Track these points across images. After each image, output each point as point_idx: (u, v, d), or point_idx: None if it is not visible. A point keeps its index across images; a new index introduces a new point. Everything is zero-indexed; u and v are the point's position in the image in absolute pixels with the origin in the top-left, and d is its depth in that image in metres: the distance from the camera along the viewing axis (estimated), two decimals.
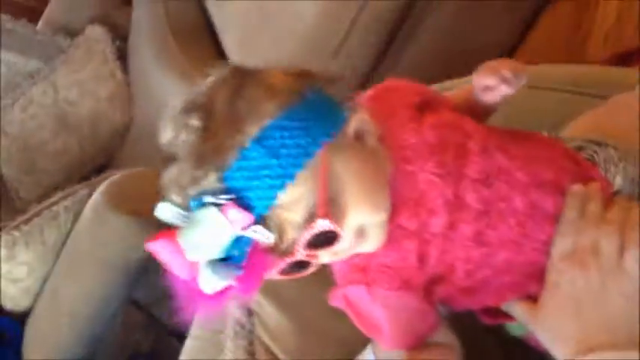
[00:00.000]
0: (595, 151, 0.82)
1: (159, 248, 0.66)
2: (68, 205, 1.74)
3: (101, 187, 1.65)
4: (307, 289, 0.99)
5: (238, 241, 0.66)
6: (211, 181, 0.66)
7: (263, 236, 0.67)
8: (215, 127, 0.68)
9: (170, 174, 0.69)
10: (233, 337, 1.04)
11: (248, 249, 0.67)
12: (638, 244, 0.72)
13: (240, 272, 0.66)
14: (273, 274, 0.72)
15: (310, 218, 0.68)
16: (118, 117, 2.09)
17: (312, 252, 0.70)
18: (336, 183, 0.70)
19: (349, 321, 0.81)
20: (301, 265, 0.72)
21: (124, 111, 2.09)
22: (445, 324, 0.83)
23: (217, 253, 0.66)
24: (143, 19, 2.08)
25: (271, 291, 1.04)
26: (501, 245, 0.76)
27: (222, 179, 0.66)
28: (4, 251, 1.64)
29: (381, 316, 0.78)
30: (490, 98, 0.80)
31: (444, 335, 0.82)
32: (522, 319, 0.78)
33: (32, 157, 2.09)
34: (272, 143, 0.67)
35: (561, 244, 0.75)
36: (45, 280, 1.72)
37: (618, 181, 0.80)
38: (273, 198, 0.67)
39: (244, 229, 0.66)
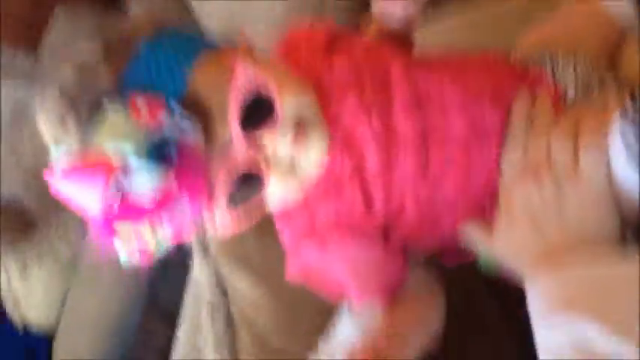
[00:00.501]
0: (545, 59, 0.74)
1: (65, 180, 0.59)
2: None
3: None
4: (277, 259, 0.94)
5: (161, 141, 0.60)
6: (106, 87, 0.62)
7: (184, 123, 0.61)
8: (92, 61, 0.64)
9: (50, 121, 0.63)
10: (208, 318, 0.99)
11: (175, 148, 0.60)
12: (593, 144, 0.65)
13: (172, 169, 0.59)
14: (223, 207, 0.65)
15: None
16: None
17: (250, 134, 0.64)
18: (253, 65, 0.65)
19: None
20: (249, 191, 0.66)
21: None
22: (420, 271, 0.77)
23: (138, 151, 0.59)
24: None
25: (241, 264, 0.99)
26: (447, 173, 0.69)
27: (120, 83, 0.62)
28: (16, 274, 1.63)
29: (343, 272, 0.73)
30: (393, 22, 0.74)
31: (420, 283, 0.77)
32: (481, 246, 0.72)
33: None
34: (166, 42, 0.64)
35: (511, 161, 0.69)
36: (65, 295, 1.71)
37: (570, 86, 0.72)
38: (182, 76, 0.62)
39: (162, 119, 0.60)
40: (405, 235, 0.72)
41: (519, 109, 0.70)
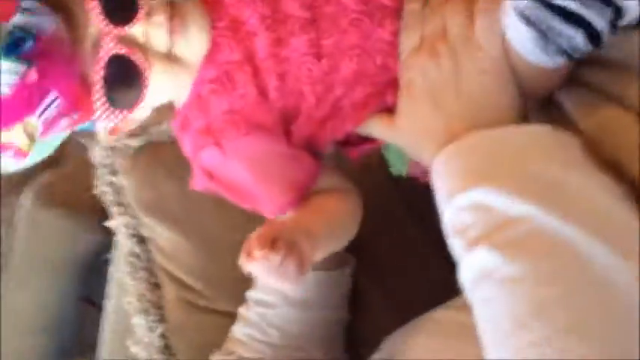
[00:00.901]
0: None
1: None
2: (1, 218, 1.67)
3: (29, 190, 1.58)
4: (194, 201, 0.91)
5: (18, 37, 0.57)
6: None
7: (42, 17, 0.58)
8: None
9: None
10: (131, 271, 0.95)
11: (34, 43, 0.58)
12: (487, 12, 0.63)
13: (32, 63, 0.57)
14: (102, 103, 0.62)
15: None
16: None
17: (119, 24, 0.61)
18: None
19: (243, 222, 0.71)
20: (126, 77, 0.63)
21: None
22: (332, 170, 0.74)
23: None
24: None
25: (158, 210, 0.96)
26: (342, 54, 0.67)
27: None
28: None
29: (244, 174, 0.69)
30: None
31: (331, 181, 0.73)
32: (384, 135, 0.69)
33: None
34: None
35: (408, 40, 0.67)
36: None
37: None
38: None
39: (17, 15, 0.57)
40: (307, 130, 0.69)
41: None
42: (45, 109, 0.58)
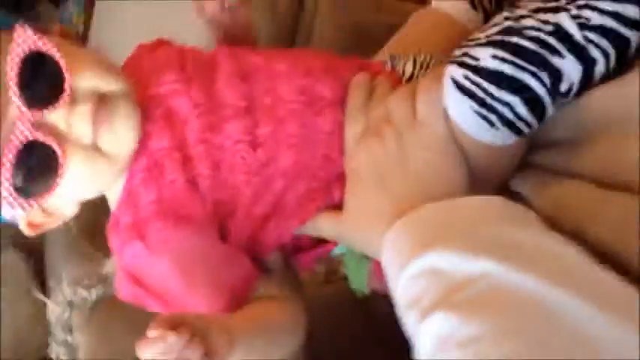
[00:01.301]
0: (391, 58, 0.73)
1: None
2: None
3: None
4: None
5: None
6: None
7: None
8: None
9: None
10: None
11: None
12: (428, 92, 0.62)
13: None
14: (10, 193, 0.59)
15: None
16: None
17: (37, 109, 0.58)
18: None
19: None
20: (39, 165, 0.59)
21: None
22: (277, 277, 0.68)
23: None
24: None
25: None
26: (279, 143, 0.65)
27: None
28: None
29: (169, 273, 0.62)
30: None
31: (275, 289, 0.67)
32: (332, 232, 0.65)
33: None
34: None
35: (352, 129, 0.65)
36: None
37: (408, 69, 0.69)
38: None
39: None
40: (246, 227, 0.65)
41: (358, 86, 0.67)
42: None
